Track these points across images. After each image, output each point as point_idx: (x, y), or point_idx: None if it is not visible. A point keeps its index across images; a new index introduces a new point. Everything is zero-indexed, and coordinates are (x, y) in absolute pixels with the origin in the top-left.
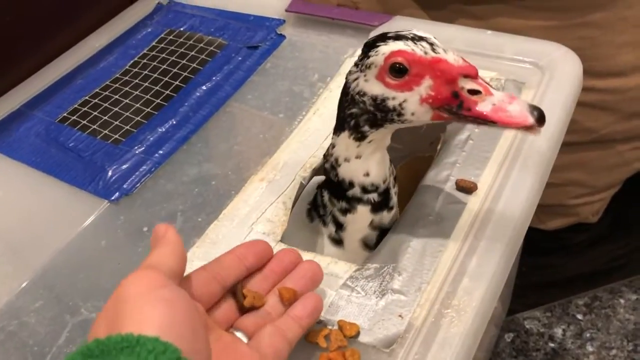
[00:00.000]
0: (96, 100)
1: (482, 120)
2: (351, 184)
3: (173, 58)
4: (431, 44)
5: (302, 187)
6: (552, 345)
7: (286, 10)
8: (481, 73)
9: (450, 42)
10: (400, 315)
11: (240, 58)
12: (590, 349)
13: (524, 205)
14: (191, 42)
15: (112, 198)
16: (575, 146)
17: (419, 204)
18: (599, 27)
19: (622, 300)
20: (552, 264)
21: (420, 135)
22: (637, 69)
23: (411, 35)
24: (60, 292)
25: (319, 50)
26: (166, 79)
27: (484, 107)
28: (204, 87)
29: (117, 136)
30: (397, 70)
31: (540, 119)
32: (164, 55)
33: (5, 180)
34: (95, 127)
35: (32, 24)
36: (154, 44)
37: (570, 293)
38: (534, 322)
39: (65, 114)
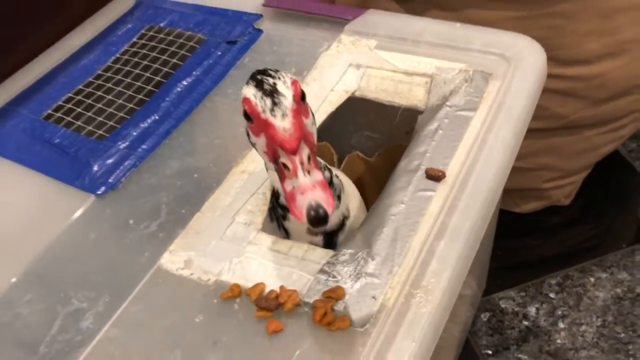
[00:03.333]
0: (79, 97)
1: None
2: (278, 193)
3: (154, 54)
4: (275, 103)
5: None
6: (526, 323)
7: (263, 5)
8: (450, 65)
9: (421, 34)
10: (373, 297)
11: (219, 53)
12: (561, 325)
13: (488, 192)
14: (171, 37)
15: (98, 192)
16: (546, 132)
17: (391, 192)
18: (565, 17)
19: (592, 279)
20: (526, 246)
21: (395, 124)
22: (602, 57)
23: (270, 85)
24: (51, 284)
25: (295, 44)
26: (147, 74)
27: (286, 185)
28: (184, 82)
29: (101, 132)
30: (246, 115)
31: (313, 222)
32: (144, 51)
33: None
34: (79, 123)
35: (12, 23)
36: (134, 40)
37: (543, 273)
38: (509, 302)
39: (49, 111)
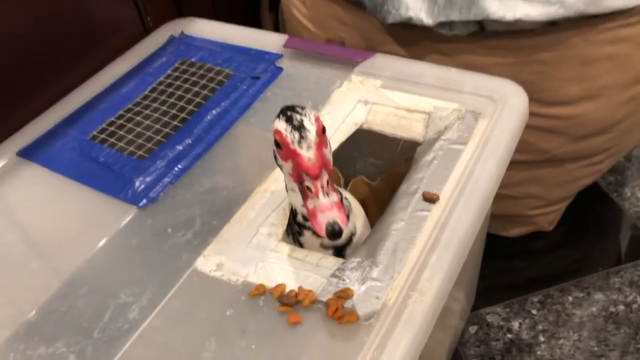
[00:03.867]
0: (121, 121)
1: (308, 213)
2: (295, 212)
3: (186, 85)
4: (302, 137)
5: None
6: (509, 336)
7: (284, 46)
8: (446, 104)
9: (421, 77)
10: (377, 297)
11: (244, 87)
12: (542, 339)
13: (474, 213)
14: (201, 71)
15: (140, 204)
16: (531, 164)
17: (393, 211)
18: (548, 64)
19: (570, 298)
20: (513, 267)
21: (397, 154)
22: (581, 100)
23: (298, 121)
24: (101, 281)
25: (311, 81)
26: (181, 103)
27: (309, 203)
28: (214, 112)
29: (141, 152)
30: (277, 144)
31: (330, 236)
32: (178, 82)
33: (47, 188)
34: (121, 144)
35: (61, 54)
36: (168, 72)
37: (527, 292)
38: (495, 317)
39: (94, 133)
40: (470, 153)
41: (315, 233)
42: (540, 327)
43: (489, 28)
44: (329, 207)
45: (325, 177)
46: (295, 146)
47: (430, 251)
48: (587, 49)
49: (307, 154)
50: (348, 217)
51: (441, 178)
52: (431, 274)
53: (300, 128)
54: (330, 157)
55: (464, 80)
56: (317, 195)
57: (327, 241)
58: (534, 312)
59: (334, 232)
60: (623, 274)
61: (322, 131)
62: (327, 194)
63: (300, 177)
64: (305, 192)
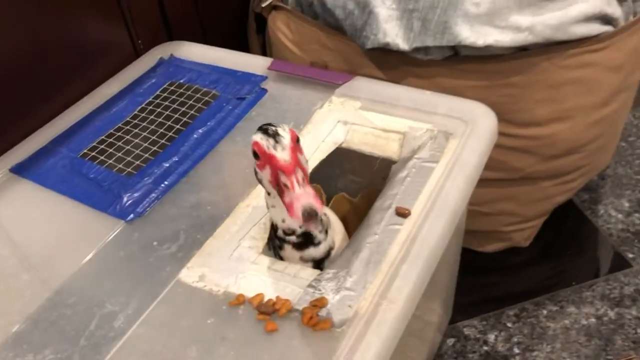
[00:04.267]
0: (111, 140)
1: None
2: (276, 227)
3: (174, 106)
4: (276, 142)
5: None
6: (485, 348)
7: (268, 69)
8: (420, 125)
9: (398, 99)
10: (349, 306)
11: (230, 107)
12: (516, 350)
13: (443, 227)
14: (189, 92)
15: (128, 219)
16: (506, 182)
17: (368, 225)
18: (519, 87)
19: (544, 311)
20: (489, 282)
21: (375, 171)
22: (551, 121)
23: (273, 131)
24: (89, 292)
25: (294, 102)
26: (169, 123)
27: (286, 198)
28: (200, 131)
29: (130, 169)
30: (254, 155)
31: (307, 218)
32: (167, 103)
33: (38, 204)
34: (111, 161)
35: (55, 75)
36: (158, 92)
37: (503, 305)
38: (472, 329)
39: (85, 150)
40: (441, 170)
41: (295, 247)
42: (516, 340)
43: (463, 53)
44: (304, 195)
45: (300, 174)
46: (271, 150)
47: (400, 262)
48: (556, 73)
49: (282, 155)
50: (327, 232)
51: (413, 194)
52: (401, 284)
53: (275, 135)
54: (305, 164)
55: (437, 102)
56: (292, 189)
57: (306, 254)
58: (509, 325)
59: (310, 213)
60: (595, 288)
61: (296, 139)
62: (302, 187)
63: (277, 178)
64: (282, 190)
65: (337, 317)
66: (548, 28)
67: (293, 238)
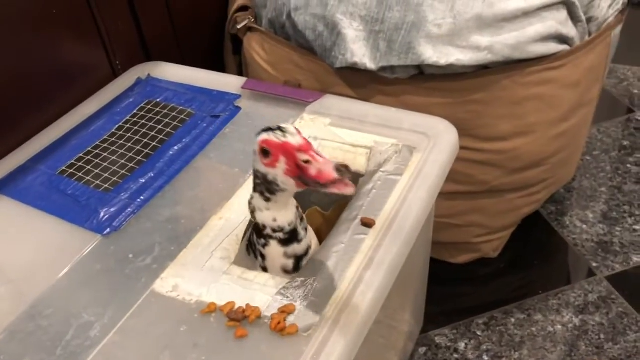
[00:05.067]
0: (89, 157)
1: (313, 181)
2: (264, 227)
3: (151, 124)
4: (284, 132)
5: (250, 223)
6: (456, 356)
7: (242, 87)
8: (385, 140)
9: (365, 116)
10: (316, 312)
11: (205, 125)
12: (486, 358)
13: (406, 235)
14: (166, 111)
15: (104, 233)
16: (473, 195)
17: (335, 235)
18: (482, 103)
19: (512, 319)
20: (460, 292)
21: None
22: (513, 136)
23: (276, 127)
24: (66, 304)
25: (267, 119)
26: (145, 140)
27: (311, 171)
28: (176, 147)
29: (107, 185)
30: (264, 153)
31: (340, 172)
32: (143, 121)
33: (17, 220)
34: (89, 178)
35: (34, 95)
36: (135, 111)
37: (473, 314)
38: (443, 338)
39: (64, 168)
40: (405, 183)
41: (280, 242)
42: (485, 347)
43: (427, 71)
44: (327, 161)
45: (315, 151)
46: (282, 139)
47: (365, 269)
48: (516, 89)
49: (294, 139)
50: (306, 229)
51: (378, 205)
52: (364, 289)
53: (279, 129)
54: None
55: (402, 118)
56: (316, 160)
57: (290, 250)
58: (479, 333)
59: (342, 168)
60: (561, 297)
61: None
62: (322, 157)
63: (295, 162)
64: (305, 168)
65: (304, 322)
66: (506, 47)
67: (281, 235)
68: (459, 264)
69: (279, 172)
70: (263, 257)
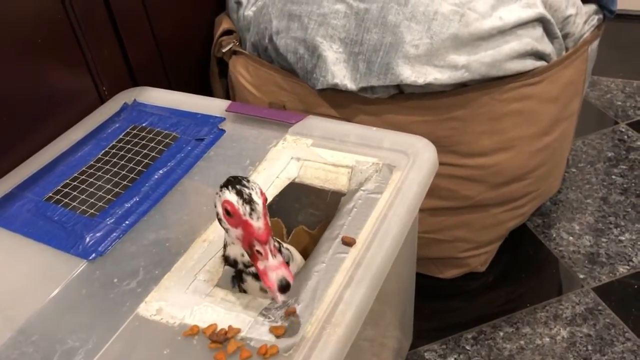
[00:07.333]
0: (75, 183)
1: (258, 270)
2: (235, 262)
3: (137, 148)
4: (252, 209)
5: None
6: None
7: (226, 110)
8: (366, 159)
9: (347, 136)
10: (296, 332)
11: (189, 148)
12: None
13: (385, 253)
14: (151, 135)
15: (90, 258)
16: (458, 210)
17: (316, 254)
18: (462, 120)
19: (501, 333)
20: (449, 307)
21: (329, 204)
22: (494, 151)
23: (247, 195)
24: (51, 329)
25: (250, 141)
26: (131, 165)
27: (260, 264)
28: (161, 171)
29: (92, 211)
30: (227, 213)
31: (282, 289)
32: (129, 146)
33: (4, 247)
34: (75, 204)
35: (21, 122)
36: (121, 136)
37: (461, 329)
38: (432, 353)
39: (50, 194)
40: (385, 201)
41: (255, 277)
42: None
43: (407, 91)
44: (277, 266)
45: (272, 242)
46: (247, 217)
47: (345, 288)
48: (495, 106)
49: (258, 224)
50: (288, 263)
51: (359, 224)
52: (344, 308)
53: (250, 202)
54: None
55: (382, 137)
56: (267, 258)
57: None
58: (468, 347)
59: (284, 286)
60: (549, 309)
61: (265, 202)
62: (275, 256)
63: (251, 243)
64: (255, 255)
65: (284, 343)
66: (483, 65)
67: (252, 269)
68: (447, 278)
69: (234, 233)
70: (244, 291)
